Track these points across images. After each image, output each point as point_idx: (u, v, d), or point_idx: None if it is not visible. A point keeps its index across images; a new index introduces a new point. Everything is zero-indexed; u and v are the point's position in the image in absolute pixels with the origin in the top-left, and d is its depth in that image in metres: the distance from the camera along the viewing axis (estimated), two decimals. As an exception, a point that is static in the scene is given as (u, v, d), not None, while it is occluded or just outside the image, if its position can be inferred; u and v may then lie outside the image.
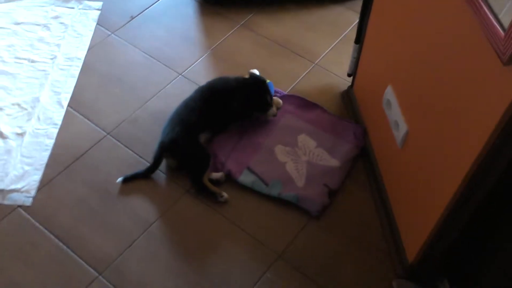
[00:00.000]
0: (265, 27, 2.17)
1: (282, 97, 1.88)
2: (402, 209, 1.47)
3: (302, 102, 1.86)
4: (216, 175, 1.68)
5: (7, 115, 1.85)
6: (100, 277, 1.49)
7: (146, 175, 1.69)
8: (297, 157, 1.71)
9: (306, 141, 1.75)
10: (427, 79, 1.26)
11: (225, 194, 1.64)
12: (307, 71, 2.02)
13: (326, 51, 2.08)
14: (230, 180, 1.69)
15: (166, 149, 1.68)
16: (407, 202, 1.43)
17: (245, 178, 1.66)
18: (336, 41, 2.12)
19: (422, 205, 1.33)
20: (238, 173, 1.67)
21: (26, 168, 1.71)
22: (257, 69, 1.96)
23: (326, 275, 1.49)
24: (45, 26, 2.15)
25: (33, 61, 2.02)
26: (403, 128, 1.38)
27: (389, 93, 1.46)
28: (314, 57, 2.06)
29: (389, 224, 1.54)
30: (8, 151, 1.75)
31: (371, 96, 1.68)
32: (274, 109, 1.78)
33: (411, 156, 1.38)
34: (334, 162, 1.69)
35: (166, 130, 1.70)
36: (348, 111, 1.86)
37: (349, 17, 2.19)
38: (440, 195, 1.21)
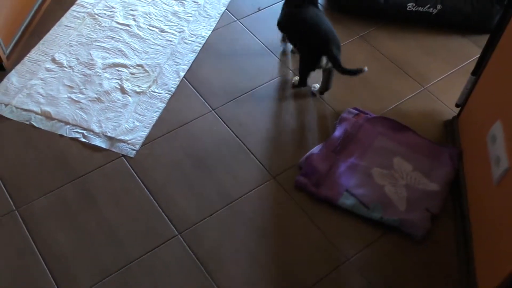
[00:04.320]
0: (383, 43, 2.20)
1: (371, 119, 1.88)
2: (484, 244, 1.44)
3: (393, 124, 1.86)
4: None
5: (131, 73, 2.04)
6: (179, 236, 1.60)
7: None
8: (395, 180, 1.70)
9: (402, 164, 1.75)
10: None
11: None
12: (414, 94, 2.02)
13: (439, 78, 2.07)
14: (327, 203, 1.68)
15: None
16: (491, 239, 1.41)
17: (345, 201, 1.65)
18: (451, 71, 2.10)
19: (506, 245, 1.30)
20: (337, 196, 1.67)
21: (137, 123, 1.88)
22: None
23: (390, 291, 1.51)
24: (180, 2, 2.34)
25: (163, 31, 2.21)
26: (504, 164, 1.36)
27: (497, 128, 1.44)
28: (424, 81, 2.06)
29: (466, 257, 1.52)
30: (125, 105, 1.93)
31: (475, 128, 1.66)
32: None
33: (506, 194, 1.35)
34: (433, 186, 1.68)
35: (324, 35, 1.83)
36: (448, 141, 1.84)
37: (471, 50, 2.16)
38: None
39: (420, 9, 2.17)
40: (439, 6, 2.16)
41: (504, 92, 1.49)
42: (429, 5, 2.16)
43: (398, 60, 2.13)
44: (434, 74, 2.09)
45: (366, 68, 1.79)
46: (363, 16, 2.29)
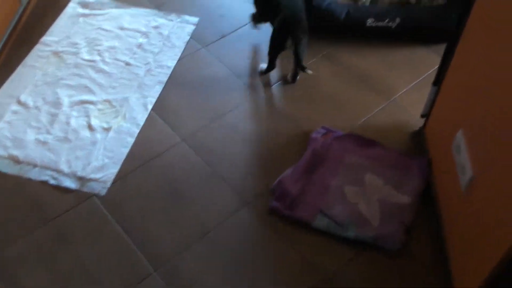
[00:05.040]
0: (347, 60, 2.22)
1: (339, 137, 1.89)
2: (458, 251, 1.46)
3: (360, 140, 1.88)
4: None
5: (98, 109, 2.03)
6: (155, 273, 1.58)
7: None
8: (367, 196, 1.71)
9: (373, 180, 1.76)
10: (500, 128, 1.26)
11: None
12: (381, 107, 2.04)
13: (403, 90, 2.10)
14: (302, 225, 1.68)
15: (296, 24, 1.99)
16: (464, 246, 1.42)
17: (320, 222, 1.65)
18: (415, 82, 2.13)
19: (479, 251, 1.31)
20: (311, 218, 1.67)
21: (106, 160, 1.86)
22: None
23: (370, 309, 1.50)
24: (144, 34, 2.34)
25: (128, 64, 2.21)
26: (468, 173, 1.38)
27: (460, 138, 1.47)
28: (390, 94, 2.09)
29: (442, 265, 1.53)
30: (94, 143, 1.91)
31: (441, 138, 1.69)
32: None
33: (474, 201, 1.37)
34: (405, 199, 1.70)
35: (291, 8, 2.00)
36: (417, 151, 1.86)
37: (432, 60, 2.20)
38: (497, 244, 1.20)
39: (380, 24, 2.21)
40: (397, 20, 2.20)
41: (464, 101, 1.52)
42: (387, 19, 2.20)
43: (363, 75, 2.16)
44: (399, 86, 2.12)
45: (310, 71, 2.06)
46: (326, 35, 2.32)
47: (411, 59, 2.22)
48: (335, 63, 2.21)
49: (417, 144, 1.89)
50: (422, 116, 1.90)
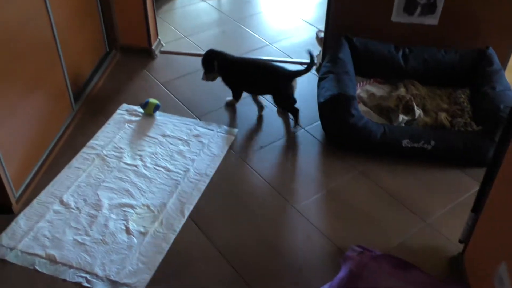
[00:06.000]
0: (382, 177, 2.26)
1: (376, 257, 1.86)
2: None
3: (399, 263, 1.85)
4: None
5: (137, 213, 2.07)
6: None
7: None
8: None
9: None
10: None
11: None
12: (417, 229, 2.03)
13: (439, 213, 2.10)
14: None
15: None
16: None
17: None
18: (451, 205, 2.13)
19: None
20: None
21: (141, 265, 1.87)
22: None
23: None
24: (186, 142, 2.45)
25: (168, 170, 2.29)
26: (514, 311, 1.33)
27: (503, 271, 1.44)
28: (426, 216, 2.08)
29: None
30: (130, 247, 1.94)
31: (482, 267, 1.65)
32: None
33: None
34: None
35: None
36: (456, 278, 1.81)
37: (467, 183, 2.21)
38: None
39: (415, 145, 2.27)
40: (432, 142, 2.26)
41: (507, 232, 1.50)
42: (423, 141, 2.26)
43: (398, 195, 2.18)
44: (435, 208, 2.12)
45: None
46: (362, 152, 2.38)
47: (446, 182, 2.24)
48: (370, 181, 2.25)
49: (455, 271, 1.85)
50: (461, 241, 1.88)
